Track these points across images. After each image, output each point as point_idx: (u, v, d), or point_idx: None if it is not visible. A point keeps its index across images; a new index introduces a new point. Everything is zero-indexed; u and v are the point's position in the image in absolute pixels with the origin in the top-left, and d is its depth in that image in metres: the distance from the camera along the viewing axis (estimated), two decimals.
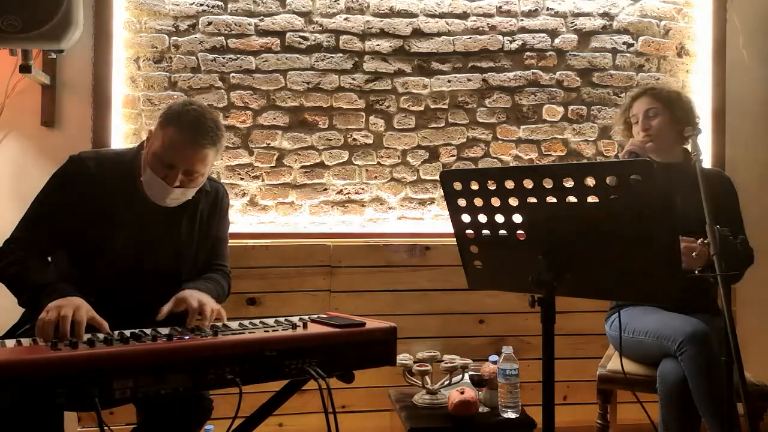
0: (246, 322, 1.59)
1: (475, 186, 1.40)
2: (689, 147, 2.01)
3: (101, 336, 1.41)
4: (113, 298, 1.65)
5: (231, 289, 1.99)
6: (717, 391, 1.78)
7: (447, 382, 2.36)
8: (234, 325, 1.56)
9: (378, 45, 2.90)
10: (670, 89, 2.27)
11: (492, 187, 1.38)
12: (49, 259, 1.78)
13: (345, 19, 2.89)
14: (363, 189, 2.91)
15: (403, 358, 2.38)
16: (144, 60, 2.79)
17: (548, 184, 1.30)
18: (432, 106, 2.94)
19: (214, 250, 1.95)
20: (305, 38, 2.87)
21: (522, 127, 2.98)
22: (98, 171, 1.77)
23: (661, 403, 1.95)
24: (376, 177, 2.92)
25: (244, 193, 2.84)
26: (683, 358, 1.89)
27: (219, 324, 1.60)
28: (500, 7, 2.97)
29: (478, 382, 2.33)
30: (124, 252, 1.76)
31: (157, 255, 1.80)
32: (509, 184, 1.35)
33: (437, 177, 2.86)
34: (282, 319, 1.66)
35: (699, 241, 1.83)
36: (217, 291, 1.85)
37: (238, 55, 2.83)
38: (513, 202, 1.37)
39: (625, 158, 2.07)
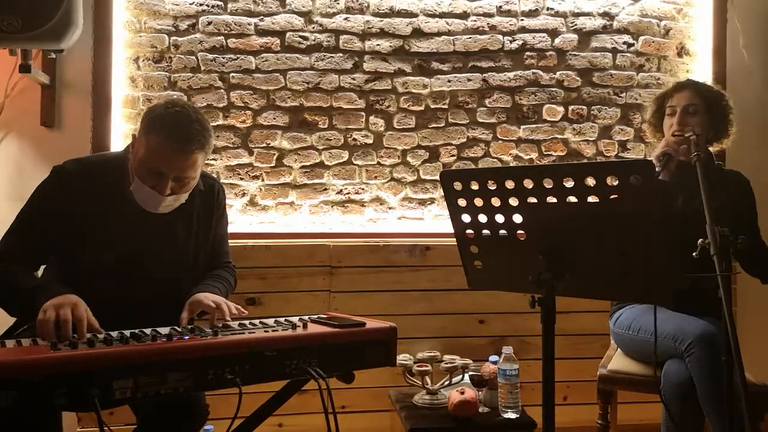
0: (246, 322, 1.59)
1: (475, 186, 1.40)
2: (692, 147, 1.99)
3: (101, 336, 1.41)
4: (110, 308, 1.57)
5: (236, 283, 1.99)
6: (724, 393, 1.78)
7: (447, 383, 2.35)
8: (234, 325, 1.56)
9: (378, 45, 2.90)
10: (716, 90, 2.21)
11: (492, 187, 1.37)
12: (38, 274, 1.73)
13: (345, 18, 2.89)
14: (363, 189, 2.91)
15: (403, 358, 2.38)
16: (144, 60, 2.78)
17: (548, 184, 1.29)
18: (432, 106, 2.94)
19: (216, 248, 1.92)
20: (305, 38, 2.87)
21: (522, 127, 2.98)
22: (84, 180, 1.68)
23: (664, 404, 1.94)
24: (376, 177, 2.92)
25: (244, 193, 2.84)
26: (691, 359, 1.88)
27: (243, 320, 1.58)
28: (500, 6, 2.96)
29: (478, 382, 2.33)
30: (118, 260, 1.69)
31: (153, 261, 1.74)
32: (509, 184, 1.35)
33: (437, 177, 2.85)
34: (282, 319, 1.65)
35: (699, 241, 1.83)
36: (226, 288, 1.84)
37: (238, 55, 2.83)
38: (513, 202, 1.36)
39: (660, 159, 2.04)
